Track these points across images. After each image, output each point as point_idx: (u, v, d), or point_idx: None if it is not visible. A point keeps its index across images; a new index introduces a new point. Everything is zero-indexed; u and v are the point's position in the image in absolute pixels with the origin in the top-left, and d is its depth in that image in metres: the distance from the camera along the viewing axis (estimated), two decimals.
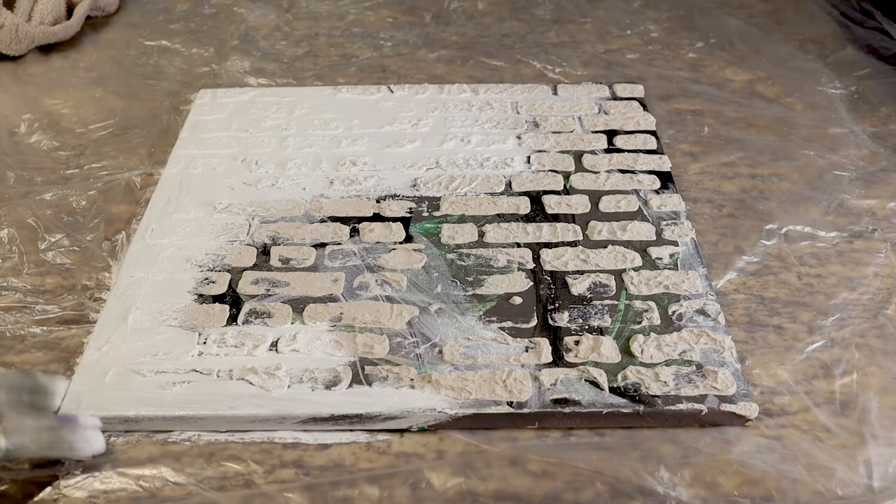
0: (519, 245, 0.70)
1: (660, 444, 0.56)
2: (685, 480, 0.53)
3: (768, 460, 0.54)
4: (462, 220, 0.73)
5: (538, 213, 0.73)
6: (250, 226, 0.72)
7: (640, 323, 0.62)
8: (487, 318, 0.63)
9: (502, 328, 0.62)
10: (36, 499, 0.52)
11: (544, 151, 0.82)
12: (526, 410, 0.56)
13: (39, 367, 0.62)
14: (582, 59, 1.00)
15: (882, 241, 0.72)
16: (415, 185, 0.77)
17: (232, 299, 0.65)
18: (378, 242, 0.70)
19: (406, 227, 0.72)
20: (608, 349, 0.60)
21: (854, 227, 0.74)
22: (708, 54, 1.02)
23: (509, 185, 0.77)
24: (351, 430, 0.56)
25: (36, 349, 0.63)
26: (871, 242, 0.72)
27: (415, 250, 0.69)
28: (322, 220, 0.73)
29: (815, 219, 0.75)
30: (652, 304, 0.64)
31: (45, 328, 0.65)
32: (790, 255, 0.71)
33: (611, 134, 0.84)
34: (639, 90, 0.91)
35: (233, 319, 0.63)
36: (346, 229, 0.72)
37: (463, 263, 0.68)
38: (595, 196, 0.75)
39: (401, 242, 0.70)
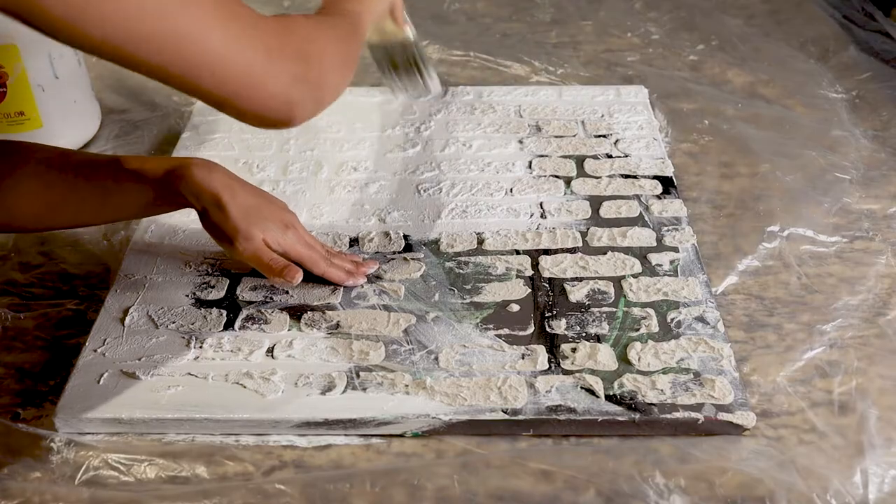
0: (518, 252, 0.69)
1: (657, 446, 0.55)
2: (680, 486, 0.52)
3: (764, 467, 0.53)
4: (462, 227, 0.72)
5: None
6: None
7: (637, 330, 0.62)
8: (484, 326, 0.62)
9: (499, 335, 0.61)
10: (37, 499, 0.52)
11: (546, 156, 0.81)
12: (521, 417, 0.56)
13: (37, 368, 0.62)
14: (582, 60, 1.00)
15: (883, 243, 0.72)
16: (416, 192, 0.77)
17: (230, 304, 0.65)
18: (377, 252, 0.70)
19: (406, 237, 0.72)
20: (605, 356, 0.59)
21: (854, 230, 0.73)
22: (709, 55, 1.01)
23: (510, 190, 0.77)
24: (346, 435, 0.56)
25: (34, 349, 0.63)
26: (872, 244, 0.72)
27: (413, 259, 0.69)
28: (322, 228, 0.73)
29: (816, 220, 0.74)
30: (650, 311, 0.63)
31: (43, 328, 0.65)
32: (790, 256, 0.70)
33: (613, 138, 0.84)
34: (643, 93, 0.91)
35: (230, 325, 0.63)
36: (347, 238, 0.72)
37: (461, 271, 0.67)
38: (596, 202, 0.75)
39: (400, 252, 0.70)
